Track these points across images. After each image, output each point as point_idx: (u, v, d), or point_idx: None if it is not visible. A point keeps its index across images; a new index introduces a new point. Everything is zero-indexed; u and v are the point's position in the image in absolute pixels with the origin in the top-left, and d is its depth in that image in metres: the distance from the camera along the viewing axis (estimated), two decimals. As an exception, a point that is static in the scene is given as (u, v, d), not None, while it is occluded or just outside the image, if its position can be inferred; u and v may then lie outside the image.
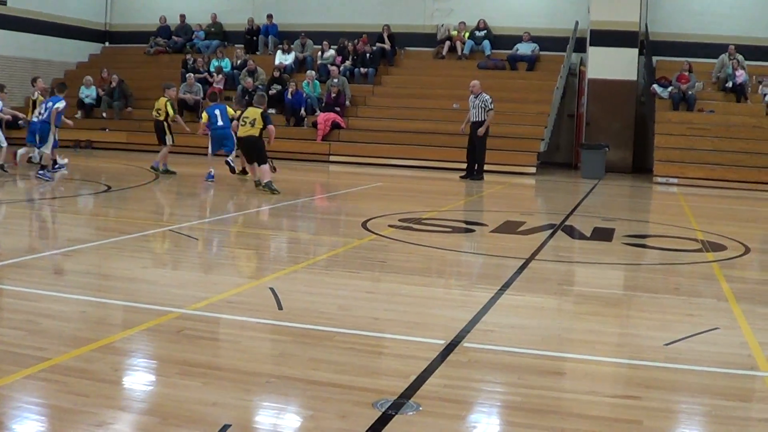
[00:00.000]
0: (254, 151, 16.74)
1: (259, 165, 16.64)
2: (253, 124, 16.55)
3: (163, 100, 19.20)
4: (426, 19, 30.32)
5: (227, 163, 18.14)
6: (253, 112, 16.72)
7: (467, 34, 29.36)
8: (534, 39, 28.51)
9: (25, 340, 5.96)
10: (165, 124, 19.17)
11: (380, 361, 5.93)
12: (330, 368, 5.57)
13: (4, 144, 18.73)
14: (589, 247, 11.77)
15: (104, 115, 28.08)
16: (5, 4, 29.04)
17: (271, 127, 16.65)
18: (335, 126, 26.17)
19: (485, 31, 29.16)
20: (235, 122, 17.42)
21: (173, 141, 19.38)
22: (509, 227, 12.88)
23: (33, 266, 8.82)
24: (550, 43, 28.31)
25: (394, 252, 10.59)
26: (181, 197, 16.84)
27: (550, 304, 8.13)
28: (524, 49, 28.47)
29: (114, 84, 28.66)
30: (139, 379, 5.48)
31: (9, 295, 7.47)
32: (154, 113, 19.31)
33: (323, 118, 26.01)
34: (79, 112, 27.89)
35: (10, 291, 7.60)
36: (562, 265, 10.34)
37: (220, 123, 18.10)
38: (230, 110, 18.58)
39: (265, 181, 16.35)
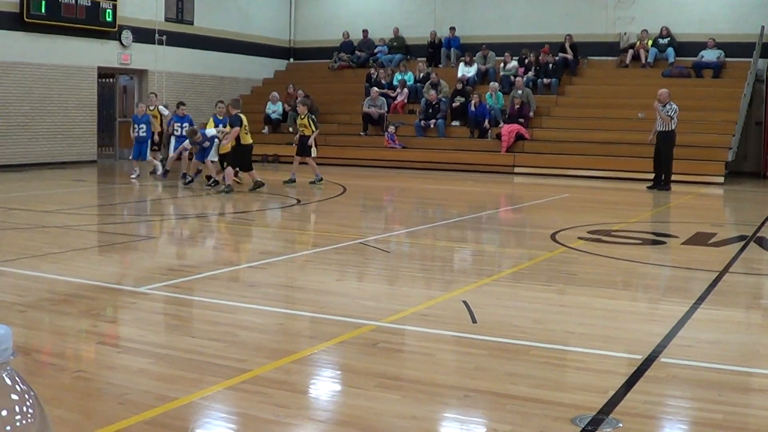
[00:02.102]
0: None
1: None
2: None
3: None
4: (608, 28, 29.88)
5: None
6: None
7: (650, 42, 28.84)
8: (719, 45, 27.72)
9: (226, 352, 6.14)
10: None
11: (577, 376, 5.84)
12: (527, 382, 5.54)
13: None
14: (784, 259, 11.40)
15: (290, 129, 28.63)
16: (192, 24, 30.16)
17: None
18: (519, 137, 26.03)
19: (669, 39, 28.54)
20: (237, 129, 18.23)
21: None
22: (700, 239, 12.56)
23: (229, 279, 9.10)
24: (735, 49, 27.48)
25: (585, 264, 10.45)
26: (368, 210, 17.06)
27: (747, 318, 7.91)
28: (709, 55, 27.73)
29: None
30: (338, 392, 5.59)
31: (208, 307, 7.73)
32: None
33: (507, 129, 25.89)
34: (266, 127, 28.61)
35: (210, 303, 7.86)
36: (756, 278, 10.03)
37: None
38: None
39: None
